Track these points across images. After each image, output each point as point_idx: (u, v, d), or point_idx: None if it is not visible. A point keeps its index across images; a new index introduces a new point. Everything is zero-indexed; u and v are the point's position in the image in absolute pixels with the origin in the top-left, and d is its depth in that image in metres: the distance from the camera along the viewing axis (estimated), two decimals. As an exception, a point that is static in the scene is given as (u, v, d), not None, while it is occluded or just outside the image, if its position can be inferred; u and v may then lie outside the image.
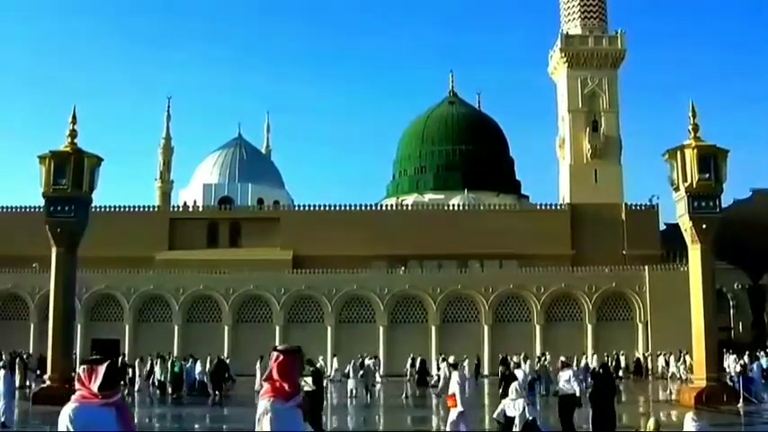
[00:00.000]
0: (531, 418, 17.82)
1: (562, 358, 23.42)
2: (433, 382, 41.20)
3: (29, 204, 64.22)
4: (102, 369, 5.81)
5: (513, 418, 17.95)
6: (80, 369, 5.94)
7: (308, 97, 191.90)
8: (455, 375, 18.60)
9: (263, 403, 6.21)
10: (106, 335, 58.93)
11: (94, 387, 5.79)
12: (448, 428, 18.05)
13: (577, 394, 20.28)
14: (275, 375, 6.22)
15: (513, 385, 18.82)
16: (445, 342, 58.58)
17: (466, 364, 40.18)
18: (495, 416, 20.14)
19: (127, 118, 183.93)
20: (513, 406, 18.11)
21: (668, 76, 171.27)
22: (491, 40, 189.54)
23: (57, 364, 31.04)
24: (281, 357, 6.26)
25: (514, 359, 44.35)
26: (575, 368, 20.97)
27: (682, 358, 49.05)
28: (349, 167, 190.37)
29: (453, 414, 17.95)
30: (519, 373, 20.90)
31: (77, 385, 5.92)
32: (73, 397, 5.90)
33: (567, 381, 20.27)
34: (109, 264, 59.51)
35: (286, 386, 6.20)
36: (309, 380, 19.07)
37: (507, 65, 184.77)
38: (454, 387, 18.24)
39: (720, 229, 31.88)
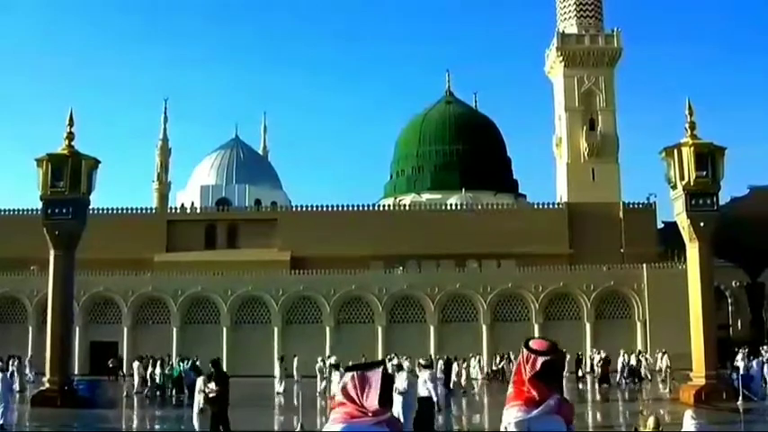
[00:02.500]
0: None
1: (421, 360, 23.02)
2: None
3: (27, 207, 64.25)
4: (376, 378, 4.81)
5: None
6: (346, 378, 4.89)
7: (304, 98, 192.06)
8: (336, 376, 18.39)
9: (512, 413, 5.17)
10: (104, 337, 58.90)
11: (369, 402, 4.75)
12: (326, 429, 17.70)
13: (434, 398, 19.63)
14: (525, 377, 5.22)
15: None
16: (444, 342, 58.62)
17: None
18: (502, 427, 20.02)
19: (124, 120, 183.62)
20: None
21: (665, 74, 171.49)
22: (487, 40, 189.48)
23: (55, 366, 30.98)
24: (540, 360, 5.24)
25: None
26: (433, 370, 20.34)
27: (651, 358, 49.76)
28: (346, 168, 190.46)
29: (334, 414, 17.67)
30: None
31: (341, 397, 4.87)
32: (335, 415, 4.85)
33: (423, 383, 19.35)
34: (107, 266, 59.42)
35: (535, 393, 5.15)
36: (212, 385, 18.77)
37: (504, 64, 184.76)
38: (335, 388, 17.91)
39: (718, 226, 31.91)
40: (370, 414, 4.71)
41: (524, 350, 5.33)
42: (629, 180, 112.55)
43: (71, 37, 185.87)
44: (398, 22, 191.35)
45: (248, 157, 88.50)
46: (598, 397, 39.62)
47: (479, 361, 54.65)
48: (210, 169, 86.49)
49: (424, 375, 19.34)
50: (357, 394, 4.77)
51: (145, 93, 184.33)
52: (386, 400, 4.76)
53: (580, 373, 48.70)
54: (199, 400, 18.52)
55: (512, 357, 49.07)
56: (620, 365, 46.79)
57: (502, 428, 5.10)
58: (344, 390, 4.82)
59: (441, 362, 41.30)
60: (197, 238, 69.92)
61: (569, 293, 61.37)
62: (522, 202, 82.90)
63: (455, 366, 43.29)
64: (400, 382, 19.01)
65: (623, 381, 44.98)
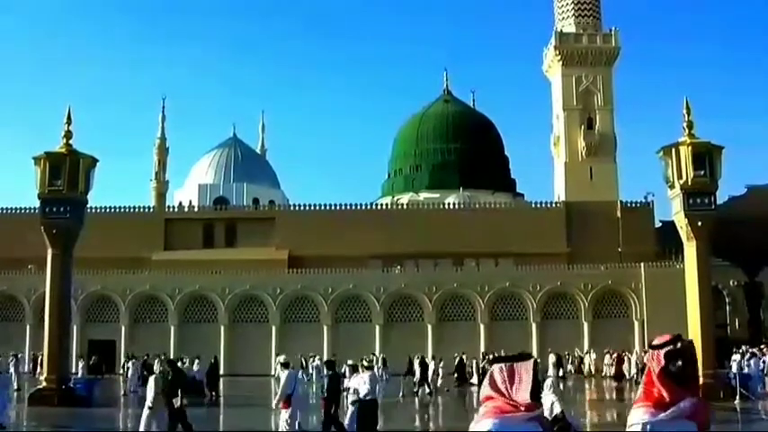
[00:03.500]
0: (559, 411, 18.00)
1: (364, 361, 23.25)
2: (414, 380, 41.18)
3: (24, 206, 64.31)
4: (527, 371, 4.45)
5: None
6: (494, 370, 4.54)
7: (302, 97, 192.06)
8: (283, 375, 18.47)
9: (638, 414, 4.71)
10: (102, 336, 58.89)
11: (520, 396, 4.38)
12: (281, 428, 17.84)
13: (379, 400, 19.64)
14: (654, 378, 4.71)
15: (547, 381, 18.99)
16: (442, 341, 58.59)
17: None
18: None
19: (122, 118, 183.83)
20: (544, 401, 18.25)
21: (663, 74, 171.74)
22: (485, 39, 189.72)
23: (53, 365, 30.96)
24: (662, 352, 4.73)
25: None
26: (372, 371, 20.49)
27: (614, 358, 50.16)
28: (344, 167, 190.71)
29: (285, 414, 17.80)
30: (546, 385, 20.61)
31: (489, 391, 4.47)
32: (484, 409, 4.45)
33: (363, 383, 19.11)
34: (104, 264, 59.37)
35: (665, 394, 4.64)
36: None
37: (502, 63, 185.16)
38: (282, 387, 18.06)
39: (716, 225, 31.93)
40: (522, 409, 4.35)
41: (649, 350, 4.88)
42: (626, 179, 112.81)
43: (69, 36, 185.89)
44: (396, 22, 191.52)
45: (246, 156, 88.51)
46: (614, 395, 39.69)
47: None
48: (208, 168, 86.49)
49: (364, 376, 19.44)
50: (507, 387, 4.42)
51: (143, 91, 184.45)
52: (537, 394, 4.45)
53: (561, 373, 48.15)
54: (150, 397, 18.65)
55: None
56: (634, 363, 46.87)
57: (627, 430, 4.81)
58: (493, 382, 4.46)
59: (416, 361, 41.00)
60: (195, 237, 69.88)
61: (567, 292, 61.37)
62: (519, 201, 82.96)
63: (431, 366, 42.97)
64: (355, 382, 19.22)
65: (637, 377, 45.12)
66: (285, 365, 18.58)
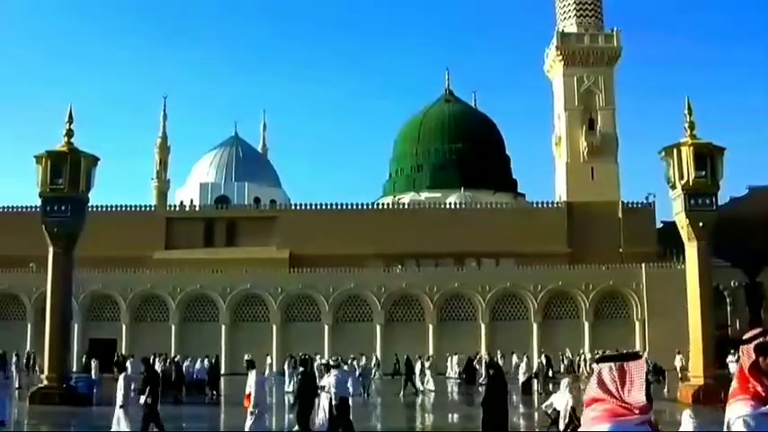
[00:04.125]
0: (570, 409, 18.46)
1: (330, 360, 23.43)
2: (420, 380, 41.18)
3: (26, 204, 64.18)
4: (639, 370, 4.16)
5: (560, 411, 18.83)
6: (603, 369, 4.23)
7: (304, 96, 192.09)
8: (251, 376, 18.65)
9: (739, 407, 4.45)
10: (103, 334, 58.96)
11: (633, 397, 4.09)
12: (246, 429, 17.98)
13: (352, 395, 20.11)
14: (746, 373, 4.47)
15: (564, 381, 19.43)
16: (443, 341, 58.66)
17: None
18: (543, 406, 20.60)
19: (123, 117, 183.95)
20: (561, 400, 18.79)
21: (664, 74, 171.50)
22: (487, 39, 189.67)
23: (54, 363, 30.98)
24: (751, 346, 4.49)
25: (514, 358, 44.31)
26: (338, 371, 20.90)
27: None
28: (345, 166, 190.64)
29: (248, 414, 17.97)
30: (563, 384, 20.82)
31: (597, 392, 4.18)
32: (593, 413, 4.17)
33: (333, 382, 19.63)
34: (106, 263, 59.46)
35: (760, 389, 4.40)
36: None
37: (503, 63, 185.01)
38: (251, 387, 18.27)
39: (717, 226, 31.92)
40: (636, 411, 4.05)
41: (741, 347, 4.70)
42: (628, 179, 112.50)
43: (71, 35, 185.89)
44: (398, 21, 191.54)
45: (247, 155, 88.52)
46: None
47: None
48: (210, 167, 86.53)
49: (330, 376, 19.64)
50: (617, 388, 4.12)
51: (144, 90, 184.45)
52: (650, 395, 4.13)
53: (550, 373, 47.78)
54: (120, 396, 18.96)
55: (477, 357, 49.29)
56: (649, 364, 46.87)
57: (725, 424, 4.63)
58: (601, 383, 4.16)
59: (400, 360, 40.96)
60: (196, 236, 69.90)
61: (568, 293, 61.41)
62: (521, 201, 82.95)
63: (417, 366, 42.88)
64: (326, 381, 19.49)
65: (652, 378, 45.01)
66: (251, 365, 18.83)
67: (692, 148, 31.31)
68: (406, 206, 76.32)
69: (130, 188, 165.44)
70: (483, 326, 60.65)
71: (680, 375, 46.11)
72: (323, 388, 19.80)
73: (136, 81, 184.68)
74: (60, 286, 31.73)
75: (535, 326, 60.48)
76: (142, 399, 18.72)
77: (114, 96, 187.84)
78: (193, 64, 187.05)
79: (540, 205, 73.60)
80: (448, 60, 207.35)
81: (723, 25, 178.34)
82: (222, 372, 44.71)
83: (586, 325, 60.54)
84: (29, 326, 58.50)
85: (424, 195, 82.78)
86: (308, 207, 71.64)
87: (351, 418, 19.90)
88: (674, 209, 32.90)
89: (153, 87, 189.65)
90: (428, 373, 42.93)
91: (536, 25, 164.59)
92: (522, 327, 60.40)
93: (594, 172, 73.69)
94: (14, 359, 45.67)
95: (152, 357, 42.04)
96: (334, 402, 19.38)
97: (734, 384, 4.48)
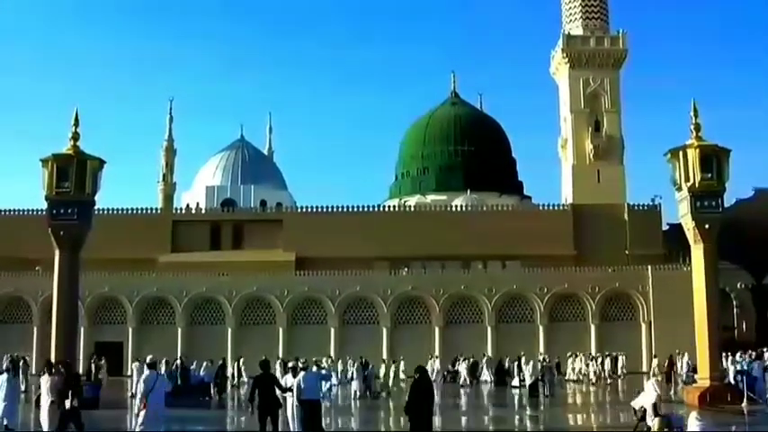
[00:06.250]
0: (663, 412, 19.31)
1: (299, 363, 23.57)
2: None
3: (32, 207, 64.36)
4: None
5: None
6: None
7: (310, 99, 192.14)
8: (144, 375, 18.81)
9: None
10: (109, 338, 59.07)
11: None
12: (137, 429, 18.08)
13: (324, 400, 20.37)
14: None
15: (651, 380, 20.24)
16: (449, 343, 58.64)
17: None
18: (633, 403, 21.04)
19: (129, 120, 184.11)
20: (647, 397, 19.56)
21: (670, 76, 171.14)
22: (493, 41, 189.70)
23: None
24: None
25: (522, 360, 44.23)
26: (313, 371, 21.09)
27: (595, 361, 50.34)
28: (351, 169, 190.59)
29: (142, 414, 18.03)
30: (649, 384, 20.89)
31: None
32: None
33: (299, 384, 19.44)
34: (112, 266, 59.50)
35: None
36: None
37: (509, 65, 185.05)
38: (140, 387, 18.34)
39: (723, 228, 31.81)
40: None
41: None
42: (634, 182, 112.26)
43: (76, 37, 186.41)
44: (404, 24, 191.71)
45: (254, 158, 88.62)
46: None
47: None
48: (216, 170, 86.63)
49: (299, 377, 19.65)
50: None
51: (150, 93, 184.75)
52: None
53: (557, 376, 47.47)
54: (44, 396, 19.47)
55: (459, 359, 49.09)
56: (685, 365, 46.96)
57: None
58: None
59: (357, 363, 41.00)
60: (202, 239, 69.88)
61: (574, 295, 61.37)
62: (527, 203, 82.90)
63: (383, 368, 42.99)
64: (291, 382, 19.74)
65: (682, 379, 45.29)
66: (151, 366, 18.99)
67: (697, 149, 31.20)
68: (412, 209, 76.30)
69: (136, 191, 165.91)
70: (489, 328, 60.64)
71: (684, 377, 46.04)
72: (290, 390, 19.75)
73: (142, 84, 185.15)
74: (66, 289, 31.72)
75: (541, 328, 60.45)
76: (68, 403, 19.09)
77: (120, 99, 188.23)
78: (200, 67, 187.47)
79: (546, 207, 73.45)
80: (454, 63, 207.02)
81: (730, 27, 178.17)
82: (229, 374, 44.63)
83: (592, 327, 60.52)
84: (35, 329, 58.64)
85: (430, 198, 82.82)
86: (315, 210, 71.62)
87: (322, 424, 19.96)
88: (679, 211, 32.80)
89: (159, 90, 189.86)
90: (391, 374, 42.83)
91: (542, 28, 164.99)
92: (529, 329, 60.39)
93: (600, 174, 73.69)
94: (21, 362, 45.64)
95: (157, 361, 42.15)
96: (295, 404, 19.47)
97: None
